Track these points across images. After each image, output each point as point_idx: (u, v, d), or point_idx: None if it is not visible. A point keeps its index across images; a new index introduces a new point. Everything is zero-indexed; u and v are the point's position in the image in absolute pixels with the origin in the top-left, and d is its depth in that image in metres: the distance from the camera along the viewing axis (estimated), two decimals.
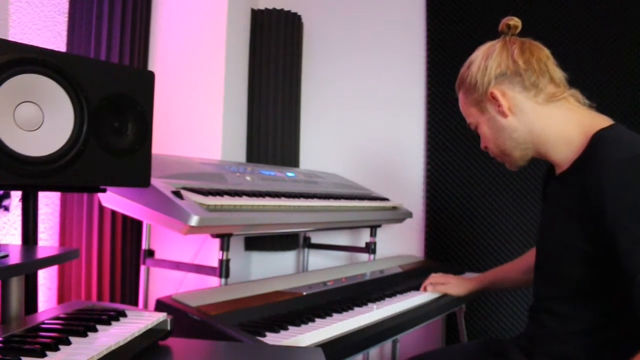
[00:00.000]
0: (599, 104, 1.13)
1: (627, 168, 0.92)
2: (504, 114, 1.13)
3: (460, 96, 1.23)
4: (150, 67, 2.21)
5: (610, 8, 2.20)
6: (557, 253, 1.09)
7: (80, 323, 0.80)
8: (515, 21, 1.16)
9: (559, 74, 1.12)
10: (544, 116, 1.11)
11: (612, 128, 1.04)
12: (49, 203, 1.96)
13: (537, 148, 1.14)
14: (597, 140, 1.02)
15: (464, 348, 1.45)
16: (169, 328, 0.91)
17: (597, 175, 0.95)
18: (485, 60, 1.14)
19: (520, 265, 1.52)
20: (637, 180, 0.91)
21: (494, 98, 1.12)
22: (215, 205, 1.39)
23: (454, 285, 1.63)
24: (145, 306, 1.90)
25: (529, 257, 1.51)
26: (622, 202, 0.91)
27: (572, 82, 1.15)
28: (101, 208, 1.96)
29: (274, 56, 2.39)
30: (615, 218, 0.91)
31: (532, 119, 1.11)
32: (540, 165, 2.25)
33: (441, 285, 1.64)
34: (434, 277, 1.67)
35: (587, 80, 2.18)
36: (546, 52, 1.13)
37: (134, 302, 2.06)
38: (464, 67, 1.20)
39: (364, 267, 1.95)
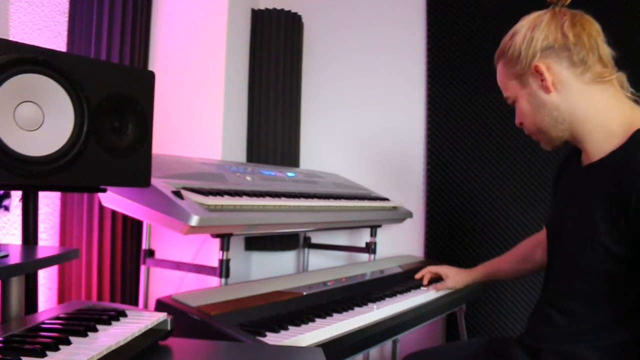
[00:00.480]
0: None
1: None
2: (547, 89, 1.06)
3: (499, 68, 1.16)
4: (151, 67, 2.21)
5: None
6: (576, 247, 1.04)
7: (81, 323, 0.80)
8: None
9: (607, 52, 1.06)
10: (588, 97, 1.04)
11: None
12: (49, 203, 1.96)
13: (574, 131, 1.08)
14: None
15: (465, 345, 1.44)
16: (169, 328, 0.91)
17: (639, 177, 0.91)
18: (532, 31, 1.07)
19: (513, 256, 1.53)
20: None
21: (537, 72, 1.06)
22: (216, 205, 1.39)
23: (452, 279, 1.68)
24: (146, 306, 1.90)
25: (521, 249, 1.51)
26: None
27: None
28: (101, 208, 1.96)
29: (274, 56, 2.39)
30: None
31: (576, 98, 1.05)
32: (541, 164, 2.25)
33: (441, 284, 1.68)
34: (430, 270, 1.72)
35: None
36: (597, 27, 1.06)
37: (134, 302, 2.06)
38: (507, 37, 1.14)
39: (364, 267, 1.95)
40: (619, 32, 1.08)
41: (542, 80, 1.06)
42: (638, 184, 0.91)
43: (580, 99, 1.05)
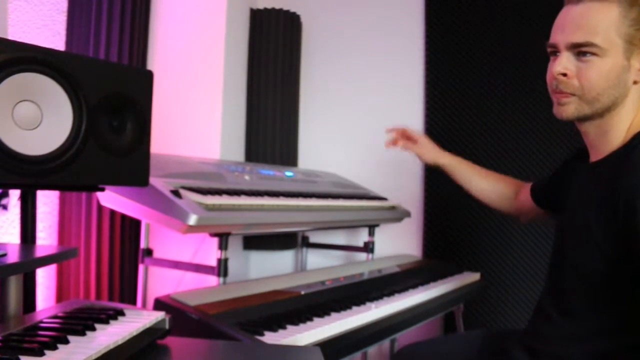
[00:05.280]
0: None
1: None
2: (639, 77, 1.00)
3: (611, 9, 0.97)
4: (149, 67, 2.21)
5: None
6: (576, 247, 1.03)
7: (79, 322, 0.81)
8: None
9: None
10: (635, 101, 1.03)
11: None
12: (47, 202, 1.96)
13: (606, 123, 1.02)
14: (638, 141, 0.98)
15: (462, 338, 1.43)
16: (167, 327, 0.91)
17: (632, 177, 0.91)
18: None
19: (492, 182, 1.51)
20: None
21: None
22: (214, 205, 1.39)
23: (424, 149, 1.60)
24: (144, 305, 1.90)
25: (503, 184, 1.50)
26: None
27: None
28: (100, 207, 1.96)
29: (273, 56, 2.39)
30: None
31: (636, 98, 1.02)
32: (539, 164, 2.26)
33: (412, 144, 1.61)
34: (403, 132, 1.63)
35: None
36: None
37: (133, 301, 2.06)
38: None
39: (362, 266, 1.95)
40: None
41: None
42: (627, 185, 0.91)
43: (635, 101, 1.02)
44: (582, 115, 1.02)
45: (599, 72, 0.97)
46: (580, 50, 0.98)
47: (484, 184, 1.52)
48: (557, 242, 1.16)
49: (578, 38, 0.98)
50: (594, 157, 1.08)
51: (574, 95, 1.01)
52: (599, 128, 1.04)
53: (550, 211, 1.37)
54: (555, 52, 1.03)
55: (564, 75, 1.01)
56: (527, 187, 1.45)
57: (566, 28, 1.00)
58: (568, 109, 1.02)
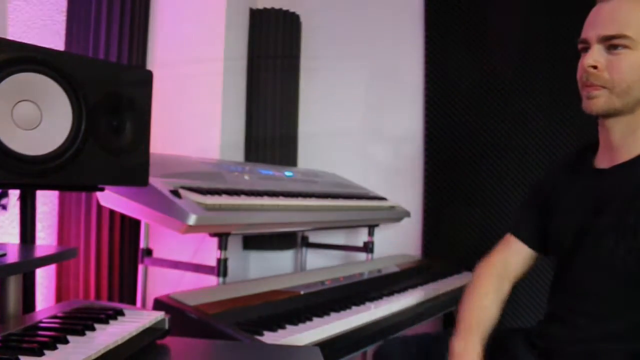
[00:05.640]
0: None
1: None
2: None
3: None
4: (149, 66, 2.21)
5: None
6: (609, 248, 0.99)
7: (79, 322, 0.81)
8: None
9: None
10: None
11: None
12: (47, 202, 1.95)
13: (635, 121, 1.00)
14: None
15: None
16: (166, 327, 0.91)
17: None
18: None
19: (497, 304, 1.28)
20: None
21: None
22: (214, 205, 1.39)
23: None
24: (144, 305, 1.90)
25: (498, 291, 1.32)
26: None
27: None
28: (99, 207, 1.95)
29: (272, 55, 2.40)
30: None
31: None
32: (539, 164, 2.25)
33: None
34: None
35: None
36: None
37: (132, 301, 2.06)
38: None
39: (362, 266, 1.95)
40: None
41: None
42: None
43: None
44: (612, 109, 1.00)
45: (630, 65, 0.97)
46: (611, 43, 0.98)
47: (498, 315, 1.28)
48: (571, 249, 1.10)
49: (610, 30, 0.98)
50: (613, 158, 1.05)
51: (604, 87, 1.00)
52: (627, 126, 1.02)
53: (542, 240, 1.31)
54: (586, 48, 1.03)
55: (594, 67, 1.00)
56: (507, 254, 1.39)
57: (598, 23, 1.00)
58: (598, 102, 1.00)
